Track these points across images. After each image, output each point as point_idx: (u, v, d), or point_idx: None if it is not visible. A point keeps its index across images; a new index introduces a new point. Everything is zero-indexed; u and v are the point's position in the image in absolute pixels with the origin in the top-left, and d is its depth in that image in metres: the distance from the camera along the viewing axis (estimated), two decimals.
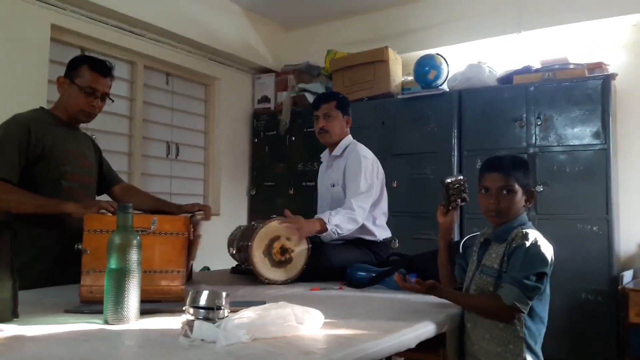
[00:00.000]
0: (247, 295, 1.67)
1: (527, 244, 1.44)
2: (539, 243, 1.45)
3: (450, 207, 1.73)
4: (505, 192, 1.53)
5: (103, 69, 1.94)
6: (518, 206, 1.54)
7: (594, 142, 3.07)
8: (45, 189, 1.80)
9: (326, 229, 2.09)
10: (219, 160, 4.35)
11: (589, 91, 3.10)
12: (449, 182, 1.73)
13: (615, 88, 3.22)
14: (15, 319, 1.20)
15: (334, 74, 4.06)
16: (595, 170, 3.04)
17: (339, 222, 2.12)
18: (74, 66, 1.93)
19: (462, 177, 1.75)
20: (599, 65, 3.25)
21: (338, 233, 2.13)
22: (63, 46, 3.27)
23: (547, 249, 1.46)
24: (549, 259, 1.44)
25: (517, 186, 1.53)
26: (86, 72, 1.90)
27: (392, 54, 3.82)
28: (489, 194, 1.55)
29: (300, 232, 2.01)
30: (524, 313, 1.41)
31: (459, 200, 1.73)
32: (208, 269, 3.27)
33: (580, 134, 3.11)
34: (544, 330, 1.50)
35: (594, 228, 2.99)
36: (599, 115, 3.06)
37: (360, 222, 2.19)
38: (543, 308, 1.48)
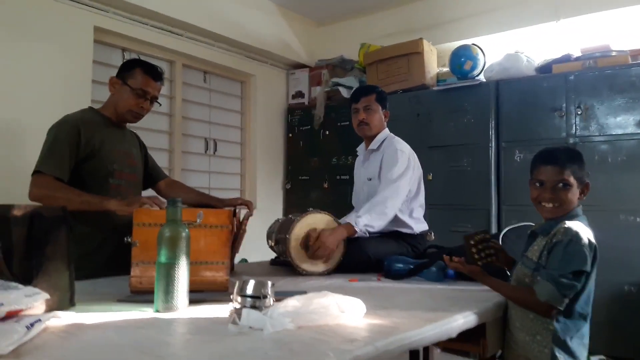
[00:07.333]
0: (287, 286, 1.70)
1: (567, 240, 1.41)
2: (579, 239, 1.41)
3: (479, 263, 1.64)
4: (561, 185, 1.50)
5: (155, 73, 2.02)
6: (573, 200, 1.51)
7: (638, 131, 2.98)
8: (94, 187, 1.89)
9: (355, 232, 2.08)
10: (255, 156, 4.42)
11: (633, 78, 3.01)
12: (471, 239, 1.64)
13: None
14: (72, 308, 1.26)
15: (368, 67, 4.06)
16: (639, 160, 2.96)
17: (368, 222, 2.10)
18: (127, 68, 2.01)
19: (484, 232, 1.68)
20: None
21: (370, 232, 2.12)
22: (105, 47, 3.39)
23: (589, 245, 1.42)
24: (590, 256, 1.41)
25: (572, 179, 1.50)
26: (139, 75, 1.98)
27: (426, 45, 3.79)
28: (543, 188, 1.53)
29: (326, 248, 1.98)
30: (560, 309, 1.40)
31: (485, 258, 1.64)
32: (246, 260, 3.34)
33: (623, 123, 3.03)
34: (585, 326, 1.47)
35: (638, 219, 2.92)
36: None
37: (390, 214, 2.17)
38: (584, 305, 1.45)
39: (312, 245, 1.99)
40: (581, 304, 1.45)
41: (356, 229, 2.08)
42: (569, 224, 1.45)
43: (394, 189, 2.21)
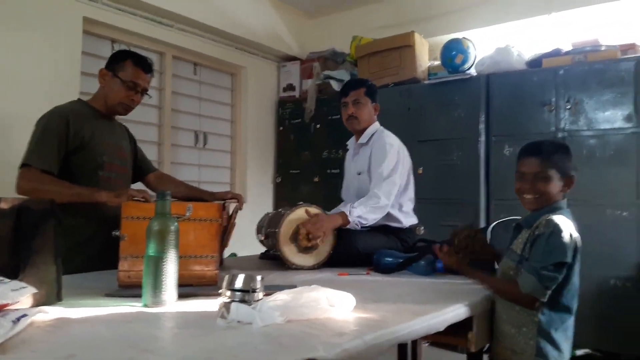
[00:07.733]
0: (277, 280, 1.70)
1: (548, 232, 1.43)
2: (560, 231, 1.43)
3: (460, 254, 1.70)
4: (540, 177, 1.52)
5: (146, 65, 2.01)
6: (554, 192, 1.52)
7: (626, 126, 3.00)
8: (83, 179, 1.87)
9: (348, 222, 2.09)
10: (245, 149, 4.41)
11: (622, 73, 3.03)
12: (456, 236, 1.69)
13: None
14: (59, 302, 1.25)
15: (360, 60, 4.05)
16: (626, 155, 2.98)
17: (361, 213, 2.11)
18: (117, 60, 1.99)
19: (471, 227, 1.72)
20: (632, 47, 3.16)
21: (362, 224, 2.13)
22: (94, 38, 3.35)
23: (570, 237, 1.43)
24: (570, 248, 1.42)
25: (553, 172, 1.51)
26: (129, 67, 1.97)
27: (418, 38, 3.78)
28: (524, 180, 1.55)
29: (323, 230, 2.00)
30: (543, 301, 1.42)
31: (466, 252, 1.68)
32: (235, 255, 3.33)
33: (612, 118, 3.05)
34: (570, 319, 1.49)
35: (624, 214, 2.95)
36: (631, 97, 2.99)
37: (385, 210, 2.19)
38: (569, 297, 1.47)
39: (304, 224, 1.98)
40: (567, 297, 1.46)
41: (349, 219, 2.08)
42: (551, 216, 1.47)
43: (390, 184, 2.21)
